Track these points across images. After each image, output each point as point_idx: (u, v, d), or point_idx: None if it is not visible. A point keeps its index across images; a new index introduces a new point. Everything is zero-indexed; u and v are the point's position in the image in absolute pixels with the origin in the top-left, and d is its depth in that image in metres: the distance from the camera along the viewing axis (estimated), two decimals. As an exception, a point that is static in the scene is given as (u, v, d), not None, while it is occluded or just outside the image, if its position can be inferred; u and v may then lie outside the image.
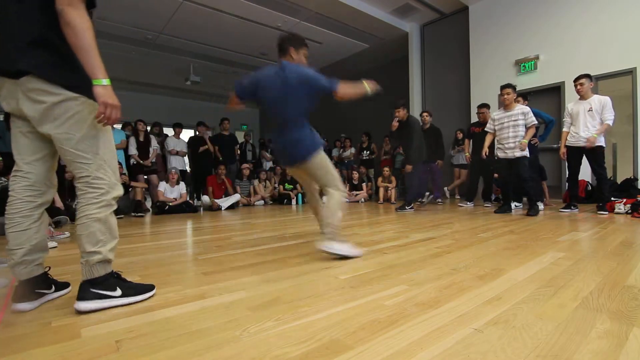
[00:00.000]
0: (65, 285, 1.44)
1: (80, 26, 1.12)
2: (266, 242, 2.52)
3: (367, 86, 2.06)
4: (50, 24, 1.16)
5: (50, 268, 1.39)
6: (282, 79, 1.97)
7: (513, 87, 4.03)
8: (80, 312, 1.19)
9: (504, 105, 4.09)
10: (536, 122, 3.92)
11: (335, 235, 1.97)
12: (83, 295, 1.22)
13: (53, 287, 1.37)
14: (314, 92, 2.00)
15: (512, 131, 3.98)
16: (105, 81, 1.17)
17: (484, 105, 5.21)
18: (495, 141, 4.22)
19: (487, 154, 4.23)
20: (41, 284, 1.31)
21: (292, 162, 2.12)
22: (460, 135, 6.35)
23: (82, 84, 1.20)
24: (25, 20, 1.17)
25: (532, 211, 3.80)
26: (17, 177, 1.27)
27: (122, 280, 1.33)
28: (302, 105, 2.01)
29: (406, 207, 4.75)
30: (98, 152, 1.25)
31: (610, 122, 3.78)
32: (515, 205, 4.66)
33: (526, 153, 3.93)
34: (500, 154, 4.14)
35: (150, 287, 1.39)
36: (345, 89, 2.01)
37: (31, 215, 1.27)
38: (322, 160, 2.07)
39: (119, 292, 1.27)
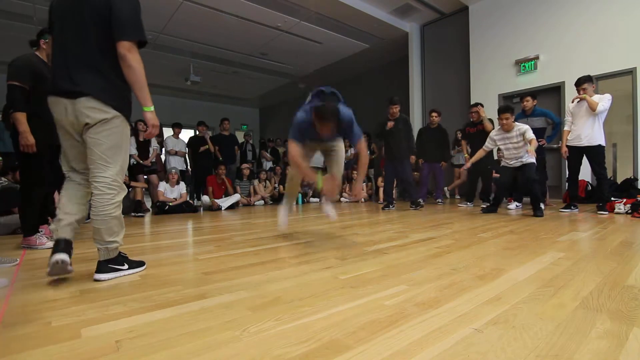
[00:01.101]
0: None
1: (138, 68, 1.53)
2: (266, 242, 2.52)
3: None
4: (104, 58, 1.54)
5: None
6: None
7: (512, 111, 4.00)
8: (98, 281, 1.57)
9: (505, 130, 4.06)
10: (533, 136, 3.87)
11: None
12: (101, 269, 1.60)
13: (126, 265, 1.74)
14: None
15: (514, 152, 4.01)
16: (152, 108, 1.61)
17: (477, 104, 5.16)
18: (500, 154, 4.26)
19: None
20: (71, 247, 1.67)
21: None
22: (460, 136, 6.35)
23: (123, 107, 1.61)
24: (85, 54, 1.54)
25: (538, 212, 3.76)
26: (68, 177, 1.69)
27: (127, 258, 1.74)
28: None
29: (413, 206, 4.86)
30: (119, 159, 1.60)
31: (601, 107, 3.76)
32: (517, 205, 4.66)
33: (533, 159, 3.92)
34: (506, 164, 4.17)
35: (142, 263, 1.79)
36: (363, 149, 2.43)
37: (79, 203, 1.67)
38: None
39: (125, 266, 1.67)
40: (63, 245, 1.57)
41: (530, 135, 3.87)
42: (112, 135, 1.56)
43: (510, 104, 4.25)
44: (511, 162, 4.09)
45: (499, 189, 4.32)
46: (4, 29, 6.62)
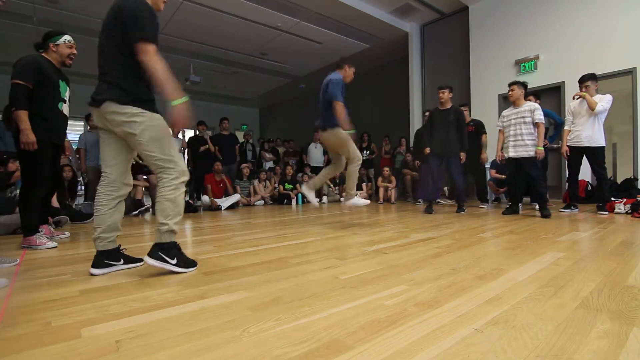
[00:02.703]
0: (138, 260, 1.82)
1: (158, 69, 1.56)
2: (266, 242, 2.52)
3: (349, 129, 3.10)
4: (124, 63, 1.62)
5: (121, 246, 1.80)
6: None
7: (520, 84, 3.94)
8: (146, 263, 1.66)
9: (512, 102, 4.02)
10: (543, 120, 3.82)
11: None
12: (152, 253, 1.64)
13: (122, 260, 1.77)
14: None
15: (519, 128, 3.89)
16: (176, 102, 1.59)
17: (463, 105, 5.11)
18: (505, 140, 4.12)
19: (501, 157, 4.14)
20: (111, 256, 1.73)
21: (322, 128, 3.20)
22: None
23: (143, 104, 1.64)
24: (110, 63, 1.63)
25: (545, 211, 3.65)
26: (102, 177, 1.72)
27: (181, 253, 1.72)
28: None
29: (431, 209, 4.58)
30: (163, 150, 1.65)
31: (600, 107, 3.76)
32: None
33: (531, 153, 3.83)
34: (510, 153, 3.98)
35: (193, 263, 1.76)
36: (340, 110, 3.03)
37: (108, 204, 1.71)
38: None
39: (174, 261, 1.67)
40: (95, 260, 1.73)
41: (539, 116, 3.78)
42: (141, 132, 1.61)
43: (525, 81, 4.11)
44: (516, 148, 3.91)
45: (510, 185, 4.20)
46: (4, 29, 6.63)
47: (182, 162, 1.71)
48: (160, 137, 1.65)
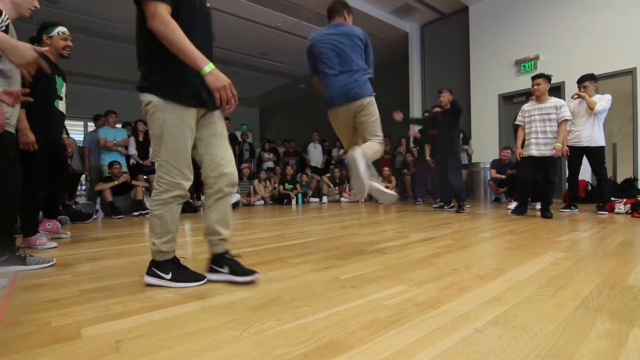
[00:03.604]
0: (250, 272, 1.51)
1: (168, 35, 1.25)
2: (266, 242, 2.52)
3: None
4: (142, 38, 1.36)
5: (227, 252, 1.58)
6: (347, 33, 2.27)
7: (545, 77, 3.69)
8: (145, 283, 1.48)
9: (536, 97, 3.76)
10: (570, 117, 3.64)
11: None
12: (148, 271, 1.49)
13: (227, 268, 1.53)
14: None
15: (542, 126, 3.67)
16: (208, 68, 1.28)
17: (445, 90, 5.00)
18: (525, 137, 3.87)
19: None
20: (215, 261, 1.56)
21: (347, 100, 2.20)
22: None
23: (153, 85, 1.37)
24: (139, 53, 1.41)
25: (548, 213, 3.64)
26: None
27: (178, 267, 1.52)
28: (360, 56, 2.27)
29: (445, 207, 4.72)
30: (160, 151, 1.40)
31: (600, 107, 3.73)
32: (517, 205, 4.65)
33: (552, 153, 3.65)
34: (532, 150, 3.73)
35: (199, 277, 1.52)
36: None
37: (206, 204, 1.54)
38: (374, 107, 2.22)
39: (169, 275, 1.48)
40: (206, 263, 1.61)
41: (566, 113, 3.55)
42: (150, 123, 1.40)
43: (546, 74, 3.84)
44: (538, 146, 3.69)
45: (522, 186, 3.98)
46: (4, 29, 6.62)
47: (183, 173, 1.43)
48: (163, 134, 1.38)
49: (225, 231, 1.55)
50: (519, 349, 0.88)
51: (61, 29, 2.51)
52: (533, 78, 3.76)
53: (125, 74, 9.02)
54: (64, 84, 2.64)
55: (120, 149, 5.17)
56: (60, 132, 2.63)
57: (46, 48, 1.73)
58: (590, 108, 3.79)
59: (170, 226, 1.45)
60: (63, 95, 2.61)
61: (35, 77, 2.33)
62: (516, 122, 3.98)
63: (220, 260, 1.54)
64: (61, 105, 2.61)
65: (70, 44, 2.55)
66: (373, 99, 2.21)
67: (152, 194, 1.45)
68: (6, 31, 1.65)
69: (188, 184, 1.46)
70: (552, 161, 3.71)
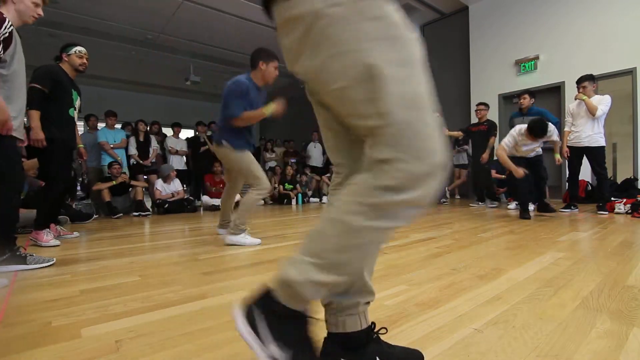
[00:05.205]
0: None
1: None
2: (266, 242, 2.52)
3: (267, 110, 2.43)
4: None
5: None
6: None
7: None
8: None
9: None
10: (557, 138, 3.76)
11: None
12: None
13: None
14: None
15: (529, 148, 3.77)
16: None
17: (482, 103, 5.20)
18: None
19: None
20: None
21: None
22: (460, 136, 6.34)
23: None
24: None
25: (549, 207, 3.80)
26: None
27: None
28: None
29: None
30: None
31: (600, 112, 3.77)
32: (516, 205, 4.64)
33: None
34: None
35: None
36: (247, 117, 2.41)
37: None
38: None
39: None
40: None
41: (553, 137, 3.67)
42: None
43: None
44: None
45: (522, 189, 3.88)
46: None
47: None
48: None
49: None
50: (519, 349, 0.88)
51: (78, 48, 2.82)
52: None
53: (125, 74, 9.03)
54: (79, 98, 2.87)
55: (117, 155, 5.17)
56: (73, 136, 2.79)
57: None
58: (592, 114, 3.81)
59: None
60: (77, 107, 2.84)
61: (56, 87, 2.57)
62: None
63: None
64: (75, 115, 2.82)
65: (86, 61, 2.86)
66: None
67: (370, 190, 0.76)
68: (10, 37, 1.77)
69: None
70: (540, 159, 3.95)
